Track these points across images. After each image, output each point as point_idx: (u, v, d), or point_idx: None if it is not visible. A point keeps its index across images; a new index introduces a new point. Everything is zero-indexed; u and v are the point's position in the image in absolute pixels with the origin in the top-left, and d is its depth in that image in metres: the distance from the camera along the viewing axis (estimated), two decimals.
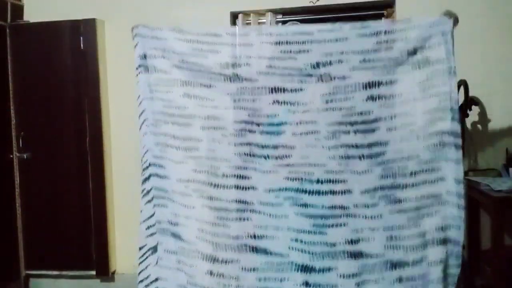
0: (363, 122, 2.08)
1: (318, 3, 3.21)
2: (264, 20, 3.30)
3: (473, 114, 2.98)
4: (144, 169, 2.30)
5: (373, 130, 2.07)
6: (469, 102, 2.80)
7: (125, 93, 3.50)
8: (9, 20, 3.51)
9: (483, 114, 3.05)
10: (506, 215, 2.59)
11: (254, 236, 2.16)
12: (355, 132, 2.08)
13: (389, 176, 2.07)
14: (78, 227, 3.50)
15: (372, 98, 2.07)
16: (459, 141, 2.02)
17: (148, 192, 2.30)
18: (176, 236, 2.25)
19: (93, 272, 3.50)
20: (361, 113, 2.08)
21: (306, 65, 2.10)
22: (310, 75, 2.10)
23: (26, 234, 3.56)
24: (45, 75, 3.48)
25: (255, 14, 3.32)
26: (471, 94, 2.80)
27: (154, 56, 2.25)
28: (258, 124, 2.15)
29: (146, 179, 2.32)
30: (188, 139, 2.23)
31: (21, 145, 3.52)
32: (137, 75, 2.28)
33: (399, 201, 2.06)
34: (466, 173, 3.00)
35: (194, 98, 2.20)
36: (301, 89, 2.12)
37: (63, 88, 3.48)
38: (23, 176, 3.54)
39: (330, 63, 2.08)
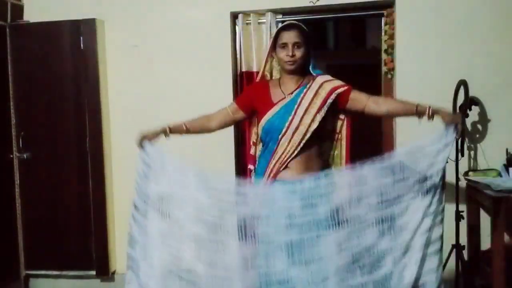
0: (372, 261, 2.00)
1: (318, 3, 3.21)
2: (264, 20, 3.30)
3: (473, 114, 2.99)
4: None
5: (380, 267, 2.01)
6: (469, 102, 2.80)
7: (125, 93, 3.51)
8: (9, 20, 3.51)
9: (483, 114, 3.05)
10: (506, 215, 2.59)
11: None
12: (363, 274, 1.99)
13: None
14: (78, 227, 3.50)
15: (383, 232, 2.01)
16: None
17: None
18: None
19: (93, 272, 3.50)
20: (370, 252, 2.00)
21: (326, 212, 1.98)
22: (328, 226, 1.98)
23: (26, 234, 3.56)
24: (45, 75, 3.48)
25: (255, 14, 3.32)
26: (471, 94, 2.80)
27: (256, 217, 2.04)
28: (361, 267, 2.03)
29: None
30: None
31: (21, 145, 3.52)
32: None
33: None
34: (466, 173, 3.01)
35: (298, 264, 1.99)
36: (317, 241, 1.99)
37: (63, 88, 3.48)
38: (23, 176, 3.54)
39: (348, 208, 1.99)
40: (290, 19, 3.26)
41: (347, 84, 2.25)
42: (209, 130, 2.37)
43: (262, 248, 2.02)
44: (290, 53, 2.25)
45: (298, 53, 2.27)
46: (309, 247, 1.99)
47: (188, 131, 2.30)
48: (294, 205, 2.00)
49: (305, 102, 2.23)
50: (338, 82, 2.27)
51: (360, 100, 2.24)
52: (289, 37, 2.27)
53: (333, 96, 2.22)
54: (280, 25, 3.26)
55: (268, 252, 2.01)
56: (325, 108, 2.23)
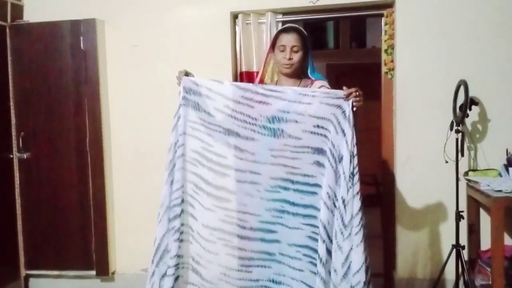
0: (305, 184, 2.17)
1: (318, 3, 3.21)
2: (264, 20, 3.30)
3: (473, 114, 2.99)
4: (175, 205, 2.24)
5: (311, 193, 2.16)
6: (469, 102, 2.80)
7: (125, 93, 3.51)
8: (9, 20, 3.51)
9: (483, 114, 3.05)
10: (506, 215, 2.59)
11: (273, 281, 2.25)
12: (295, 190, 2.17)
13: (315, 240, 2.16)
14: (78, 227, 3.50)
15: (318, 164, 2.14)
16: None
17: (178, 229, 2.25)
18: (197, 273, 2.30)
19: (93, 272, 3.50)
20: (305, 175, 2.16)
21: (262, 116, 2.16)
22: (264, 127, 2.17)
23: (26, 234, 3.56)
24: (45, 75, 3.48)
25: (255, 14, 3.32)
26: (471, 94, 2.80)
27: (200, 94, 2.23)
28: (292, 182, 2.18)
29: (177, 215, 2.25)
30: (221, 189, 2.23)
31: (21, 145, 3.52)
32: (179, 107, 2.25)
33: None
34: (466, 173, 3.01)
35: (235, 149, 2.20)
36: (252, 138, 2.18)
37: (63, 88, 3.47)
38: (23, 176, 3.54)
39: (286, 120, 2.14)
40: (290, 19, 3.27)
41: None
42: None
43: (204, 118, 2.23)
44: (288, 56, 2.28)
45: (296, 57, 2.29)
46: (244, 139, 2.19)
47: None
48: (235, 96, 2.18)
49: None
50: None
51: None
52: (288, 40, 2.29)
53: None
54: (280, 26, 3.30)
55: (208, 126, 2.22)
56: None
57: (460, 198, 2.88)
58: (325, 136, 2.13)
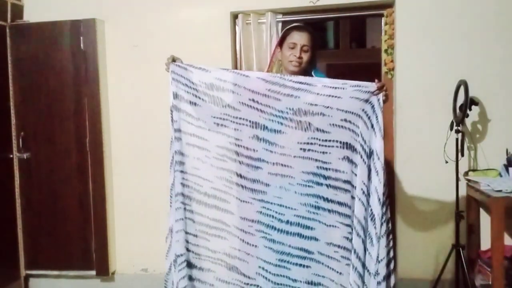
0: (337, 179, 2.14)
1: (318, 3, 3.21)
2: (264, 20, 3.30)
3: (473, 114, 2.98)
4: (178, 208, 2.25)
5: (345, 191, 2.14)
6: (469, 102, 2.79)
7: (125, 93, 3.51)
8: (9, 20, 3.51)
9: (483, 114, 3.05)
10: (506, 215, 2.58)
11: (311, 283, 2.20)
12: (328, 186, 2.15)
13: (350, 241, 2.13)
14: (78, 227, 3.50)
15: (348, 159, 2.12)
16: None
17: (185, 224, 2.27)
18: (232, 268, 2.29)
19: (93, 272, 3.50)
20: (336, 170, 2.13)
21: (288, 108, 2.13)
22: (291, 120, 2.14)
23: (26, 234, 3.56)
24: (45, 75, 3.48)
25: (255, 14, 3.32)
26: (471, 94, 2.80)
27: (222, 89, 2.20)
28: (325, 177, 2.16)
29: (180, 208, 2.26)
30: (256, 182, 2.21)
31: (21, 145, 3.52)
32: (194, 104, 2.24)
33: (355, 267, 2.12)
34: (466, 173, 3.01)
35: (264, 142, 2.18)
36: (280, 131, 2.15)
37: (63, 88, 3.47)
38: (23, 176, 3.54)
39: (312, 113, 2.11)
40: (290, 19, 3.27)
41: None
42: None
43: (230, 113, 2.20)
44: (298, 54, 2.26)
45: (305, 57, 2.28)
46: (272, 131, 2.16)
47: None
48: (261, 90, 2.14)
49: None
50: None
51: None
52: (300, 38, 2.28)
53: None
54: (280, 26, 3.30)
55: (234, 120, 2.20)
56: None
57: (460, 198, 2.88)
58: (353, 131, 2.10)
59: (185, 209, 2.26)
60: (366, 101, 2.08)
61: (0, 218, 3.43)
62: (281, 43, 2.35)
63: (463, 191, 3.00)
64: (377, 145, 2.08)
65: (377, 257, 2.08)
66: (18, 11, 3.59)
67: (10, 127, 3.52)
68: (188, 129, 2.26)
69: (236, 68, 3.42)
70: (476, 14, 3.04)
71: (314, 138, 2.12)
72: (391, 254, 2.17)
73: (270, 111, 2.15)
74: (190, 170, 2.26)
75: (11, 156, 3.53)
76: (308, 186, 2.16)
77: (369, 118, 2.09)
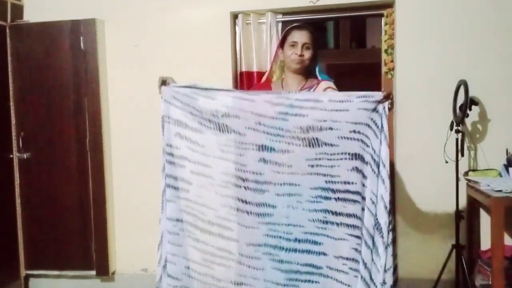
0: (346, 191, 2.08)
1: (318, 3, 3.21)
2: (264, 20, 3.30)
3: (473, 114, 2.98)
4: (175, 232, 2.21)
5: (353, 202, 2.08)
6: (469, 102, 2.80)
7: (125, 93, 3.50)
8: (9, 20, 3.51)
9: (483, 114, 3.05)
10: (506, 215, 2.58)
11: None
12: (336, 199, 2.09)
13: (359, 252, 2.08)
14: (78, 227, 3.50)
15: (357, 170, 2.06)
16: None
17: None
18: None
19: (93, 272, 3.50)
20: (345, 182, 2.07)
21: (296, 127, 2.07)
22: (298, 138, 2.08)
23: (26, 234, 3.56)
24: (45, 75, 3.48)
25: (255, 14, 3.32)
26: (471, 94, 2.80)
27: (227, 115, 2.13)
28: (333, 191, 2.10)
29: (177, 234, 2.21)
30: (262, 205, 2.16)
31: (21, 145, 3.52)
32: (199, 131, 2.17)
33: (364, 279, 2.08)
34: (466, 173, 3.01)
35: (270, 163, 2.12)
36: (287, 151, 2.10)
37: (63, 88, 3.47)
38: (23, 176, 3.54)
39: (320, 128, 2.06)
40: (290, 19, 3.28)
41: None
42: None
43: (235, 139, 2.13)
44: (299, 52, 2.26)
45: (307, 54, 2.28)
46: (279, 152, 2.09)
47: None
48: (269, 113, 2.08)
49: None
50: None
51: None
52: (300, 36, 2.28)
53: None
54: (280, 26, 3.30)
55: (239, 146, 2.13)
56: None
57: (460, 198, 2.88)
58: (362, 141, 2.04)
59: (188, 236, 2.21)
60: (373, 110, 2.03)
61: (0, 218, 3.43)
62: (282, 43, 2.36)
63: (463, 191, 3.00)
64: (383, 153, 2.03)
65: (385, 266, 2.04)
66: (18, 11, 3.59)
67: (10, 127, 3.52)
68: (192, 157, 2.18)
69: (236, 68, 3.42)
70: (476, 14, 3.04)
71: (322, 153, 2.07)
72: (396, 260, 2.14)
73: (277, 133, 2.09)
74: (195, 198, 2.20)
75: (11, 156, 3.53)
76: (317, 201, 2.10)
77: (377, 126, 2.03)
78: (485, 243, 2.98)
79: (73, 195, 3.49)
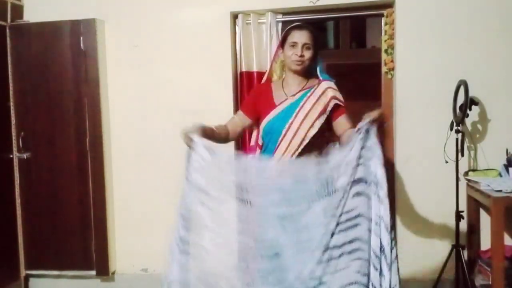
0: (347, 220, 1.99)
1: (318, 3, 3.21)
2: (264, 20, 3.30)
3: (473, 114, 2.98)
4: None
5: (354, 226, 1.99)
6: (469, 102, 2.80)
7: (125, 93, 3.51)
8: (9, 20, 3.50)
9: (483, 114, 3.05)
10: (506, 215, 2.59)
11: None
12: (339, 232, 1.99)
13: (364, 275, 2.00)
14: (78, 227, 3.50)
15: (358, 194, 1.98)
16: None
17: None
18: None
19: (93, 272, 3.50)
20: (347, 212, 1.99)
21: (318, 186, 1.99)
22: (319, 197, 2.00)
23: (26, 234, 3.56)
24: (45, 75, 3.48)
25: (255, 14, 3.32)
26: (471, 94, 2.80)
27: (246, 190, 2.02)
28: (337, 224, 2.03)
29: None
30: (272, 272, 2.04)
31: (21, 145, 3.52)
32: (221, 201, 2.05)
33: None
34: (466, 173, 3.01)
35: (284, 229, 2.02)
36: (304, 211, 2.01)
37: (63, 88, 3.47)
38: (23, 176, 3.54)
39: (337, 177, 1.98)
40: (290, 19, 3.27)
41: (344, 105, 2.27)
42: (226, 140, 2.34)
43: (257, 217, 2.03)
44: (299, 53, 2.25)
45: (307, 54, 2.27)
46: (299, 216, 2.00)
47: (213, 135, 2.18)
48: (286, 181, 2.00)
49: (307, 106, 2.24)
50: (339, 95, 2.28)
51: (340, 128, 2.26)
52: (300, 36, 2.27)
53: (331, 103, 2.23)
54: (280, 26, 3.30)
55: (262, 220, 2.02)
56: (324, 115, 2.23)
57: (460, 198, 2.88)
58: (363, 164, 1.97)
59: None
60: (367, 131, 1.97)
61: (0, 218, 3.43)
62: (282, 44, 2.36)
63: (463, 191, 3.00)
64: (379, 173, 1.96)
65: (390, 284, 1.97)
66: (18, 11, 3.58)
67: (10, 127, 3.52)
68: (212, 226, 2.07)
69: (236, 68, 3.42)
70: (476, 14, 3.04)
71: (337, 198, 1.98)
72: (400, 273, 2.05)
73: (297, 196, 2.01)
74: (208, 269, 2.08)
75: (11, 156, 3.52)
76: (322, 243, 2.00)
77: (372, 149, 1.97)
78: (485, 243, 2.98)
79: (73, 195, 3.49)
